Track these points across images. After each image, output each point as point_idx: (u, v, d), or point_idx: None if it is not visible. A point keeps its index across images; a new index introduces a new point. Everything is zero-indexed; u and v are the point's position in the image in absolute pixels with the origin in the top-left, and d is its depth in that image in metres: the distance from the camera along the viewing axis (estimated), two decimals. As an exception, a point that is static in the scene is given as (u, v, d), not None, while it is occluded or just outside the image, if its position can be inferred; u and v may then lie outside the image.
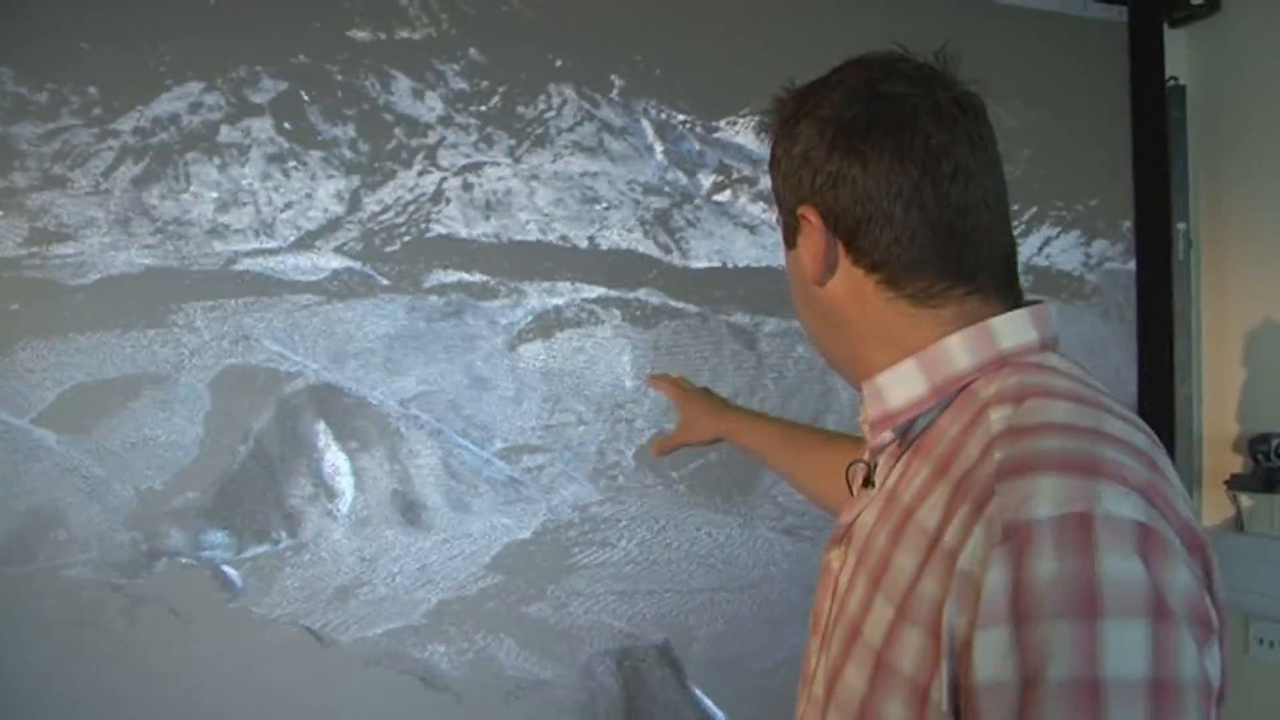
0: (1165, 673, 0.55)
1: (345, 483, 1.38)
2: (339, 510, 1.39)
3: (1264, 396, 1.86)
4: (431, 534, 1.43)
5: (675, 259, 1.52)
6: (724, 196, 1.58)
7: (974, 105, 0.75)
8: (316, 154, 1.34)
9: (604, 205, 1.49)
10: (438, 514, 1.42)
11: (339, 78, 1.37)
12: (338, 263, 1.37)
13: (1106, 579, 0.56)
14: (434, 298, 1.41)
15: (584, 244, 1.47)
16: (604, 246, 1.48)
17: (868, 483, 0.79)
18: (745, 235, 1.58)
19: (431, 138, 1.41)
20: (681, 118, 1.58)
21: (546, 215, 1.45)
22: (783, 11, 1.69)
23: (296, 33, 1.36)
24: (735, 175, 1.60)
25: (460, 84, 1.45)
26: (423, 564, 1.41)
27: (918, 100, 0.72)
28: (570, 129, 1.49)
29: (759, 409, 1.49)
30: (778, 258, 1.61)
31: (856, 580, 0.73)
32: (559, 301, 1.48)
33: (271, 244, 1.33)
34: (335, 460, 1.38)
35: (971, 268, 0.73)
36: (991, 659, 0.57)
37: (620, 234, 1.49)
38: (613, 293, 1.52)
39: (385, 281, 1.40)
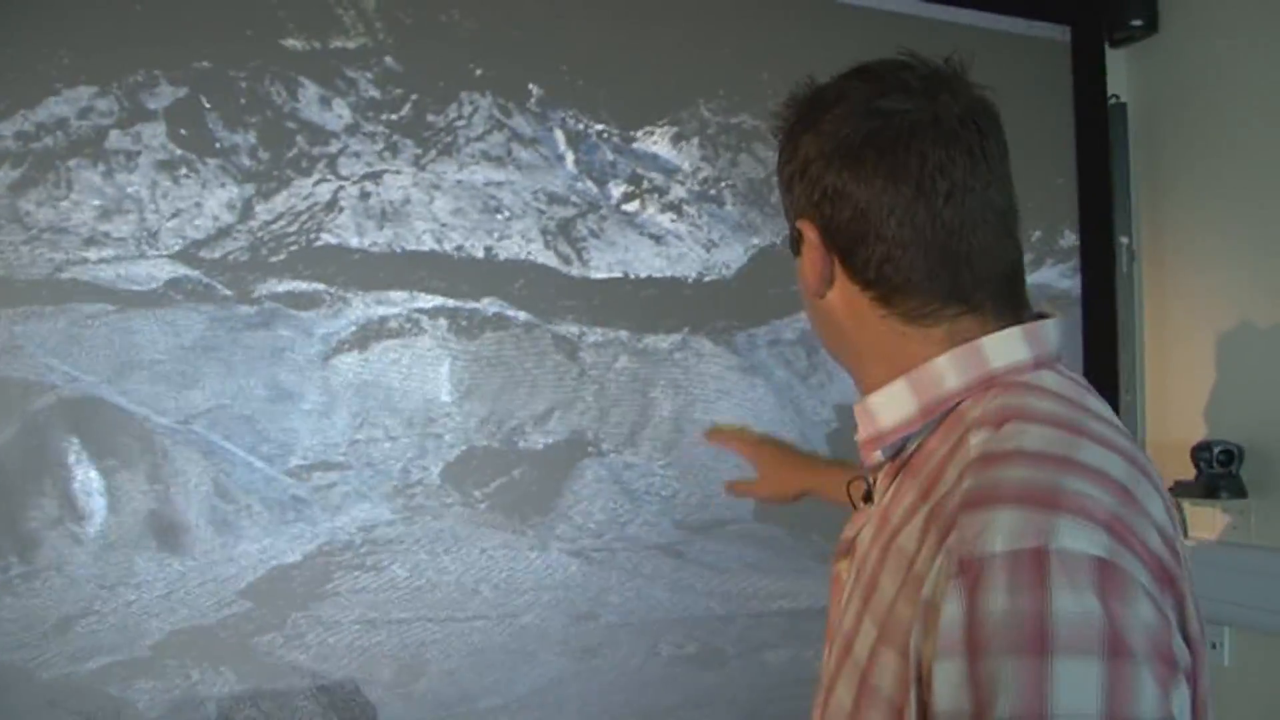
0: (1120, 713, 0.53)
1: (95, 504, 1.26)
2: (85, 533, 1.27)
3: (1204, 405, 1.86)
4: (188, 558, 1.30)
5: (575, 269, 1.49)
6: (633, 206, 1.55)
7: (980, 117, 0.72)
8: (213, 161, 1.31)
9: (506, 215, 1.46)
10: (199, 537, 1.31)
11: (243, 84, 1.34)
12: (176, 271, 1.29)
13: (1058, 617, 0.54)
14: (244, 308, 1.33)
15: (480, 254, 1.44)
16: (502, 257, 1.45)
17: (868, 498, 0.78)
18: (650, 245, 1.55)
19: (334, 146, 1.38)
20: (600, 128, 1.55)
21: (444, 225, 1.42)
22: (717, 23, 1.66)
23: (203, 38, 1.32)
24: (646, 185, 1.57)
25: (372, 92, 1.42)
26: (169, 591, 1.29)
27: (918, 116, 0.70)
28: (479, 138, 1.46)
29: (578, 422, 1.48)
30: (682, 268, 1.58)
31: (854, 597, 0.72)
32: (385, 311, 1.41)
33: (109, 252, 1.25)
34: (87, 479, 1.26)
35: (967, 287, 0.71)
36: (948, 690, 0.57)
37: (520, 244, 1.46)
38: (451, 303, 1.45)
39: (228, 292, 1.32)
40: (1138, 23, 1.99)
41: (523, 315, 1.48)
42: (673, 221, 1.57)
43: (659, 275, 1.56)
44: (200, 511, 1.31)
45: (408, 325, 1.41)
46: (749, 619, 1.58)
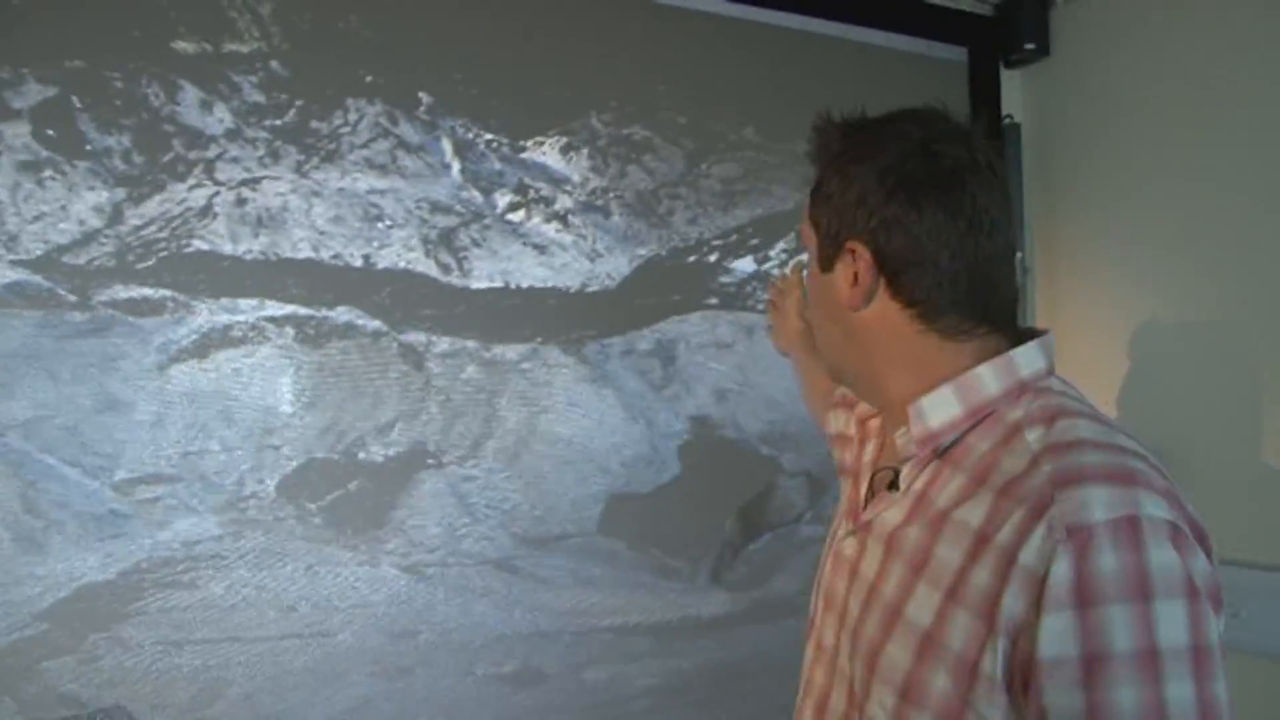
0: (1201, 640, 0.66)
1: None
2: None
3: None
4: (-17, 578, 1.21)
5: (455, 278, 1.48)
6: (518, 216, 1.54)
7: (1000, 166, 0.83)
8: (82, 164, 1.27)
9: (387, 224, 1.44)
10: (-1, 555, 1.21)
11: (119, 85, 1.31)
12: (16, 276, 1.23)
13: (1154, 568, 0.66)
14: (76, 315, 1.27)
15: (358, 262, 1.42)
16: (380, 265, 1.43)
17: (892, 486, 0.86)
18: (533, 255, 1.54)
19: (213, 151, 1.35)
20: (489, 137, 1.54)
21: (323, 233, 1.40)
22: (616, 35, 1.67)
23: (80, 38, 1.29)
24: (533, 195, 1.56)
25: (256, 97, 1.40)
26: (-46, 614, 1.19)
27: (965, 160, 0.80)
28: (364, 145, 1.44)
29: (421, 434, 1.46)
30: (564, 278, 1.58)
31: (890, 569, 0.81)
32: (230, 319, 1.35)
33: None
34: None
35: (994, 309, 0.82)
36: (1055, 637, 0.67)
37: (399, 252, 1.44)
38: (303, 311, 1.40)
39: (73, 298, 1.27)
40: (1031, 46, 2.06)
41: (374, 324, 1.44)
42: (557, 232, 1.56)
43: (540, 285, 1.55)
44: (2, 527, 1.24)
45: (252, 334, 1.36)
46: (573, 636, 1.55)
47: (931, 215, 0.79)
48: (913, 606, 0.77)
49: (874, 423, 0.97)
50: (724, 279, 1.71)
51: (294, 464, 1.38)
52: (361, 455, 1.42)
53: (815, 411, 1.32)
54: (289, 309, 1.39)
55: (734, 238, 1.71)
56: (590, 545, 1.56)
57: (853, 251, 0.83)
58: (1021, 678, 0.69)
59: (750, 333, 1.71)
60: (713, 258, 1.70)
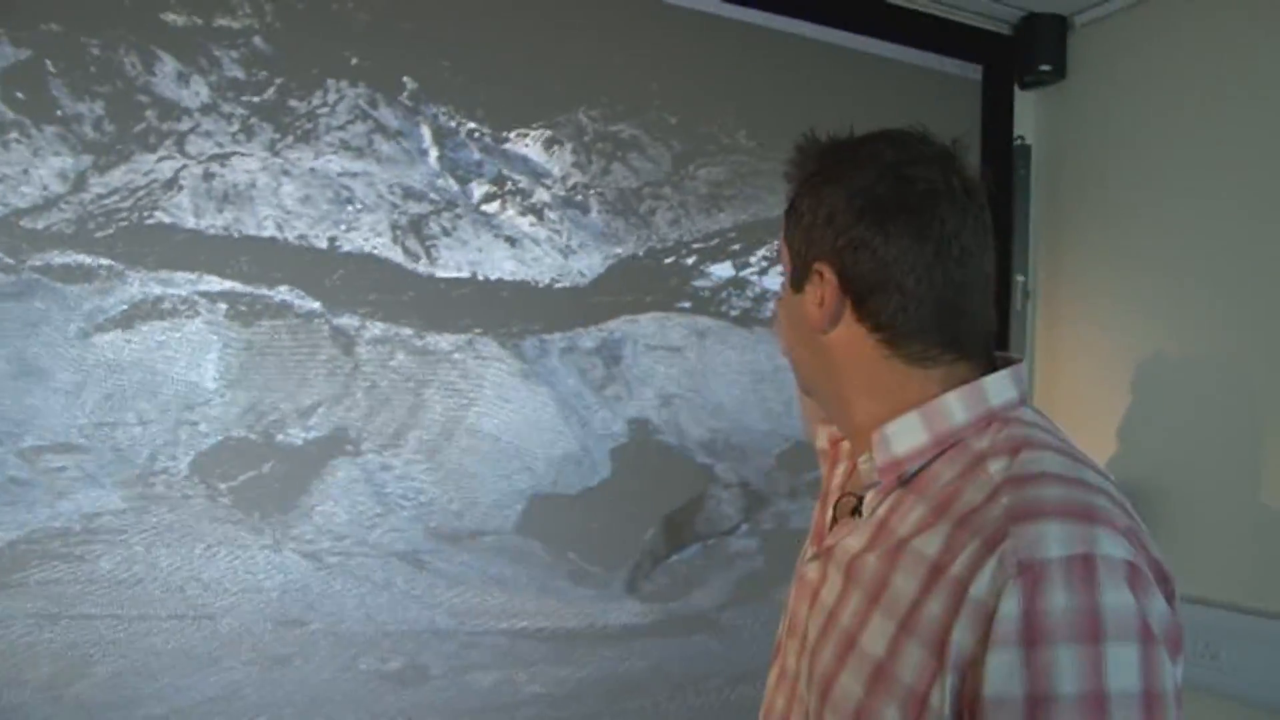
0: (1153, 685, 0.64)
1: None
2: None
3: (1090, 444, 1.83)
4: None
5: (421, 266, 1.45)
6: (493, 207, 1.51)
7: (979, 193, 0.82)
8: (50, 129, 1.26)
9: (357, 207, 1.42)
10: None
11: (95, 52, 1.30)
12: None
13: (1107, 609, 0.64)
14: (2, 277, 1.21)
15: (323, 244, 1.40)
16: (345, 249, 1.41)
17: (855, 512, 0.85)
18: (505, 247, 1.51)
19: (186, 124, 1.34)
20: (472, 126, 1.52)
21: (290, 212, 1.38)
22: (613, 30, 1.63)
23: (62, 2, 1.28)
24: (510, 187, 1.53)
25: (236, 72, 1.38)
26: None
27: (938, 185, 0.79)
28: (341, 127, 1.42)
29: (343, 419, 1.40)
30: (535, 272, 1.55)
31: (849, 596, 0.79)
32: (163, 291, 1.30)
33: None
34: None
35: (964, 336, 0.81)
36: (1000, 676, 0.65)
37: (366, 237, 1.42)
38: (240, 287, 1.35)
39: (10, 260, 1.22)
40: (1047, 68, 2.01)
41: (311, 305, 1.39)
42: (532, 225, 1.53)
43: (509, 278, 1.51)
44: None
45: (183, 307, 1.32)
46: (468, 637, 1.48)
47: (898, 239, 0.78)
48: (867, 636, 0.75)
49: (845, 445, 0.96)
50: (699, 282, 1.67)
51: (210, 441, 1.34)
52: (280, 437, 1.38)
53: (807, 423, 1.30)
54: (226, 285, 1.35)
55: (715, 242, 1.67)
56: (505, 544, 1.50)
57: (820, 273, 0.82)
58: (970, 715, 0.67)
59: (703, 337, 1.65)
60: (690, 260, 1.66)
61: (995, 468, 0.74)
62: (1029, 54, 2.01)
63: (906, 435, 0.79)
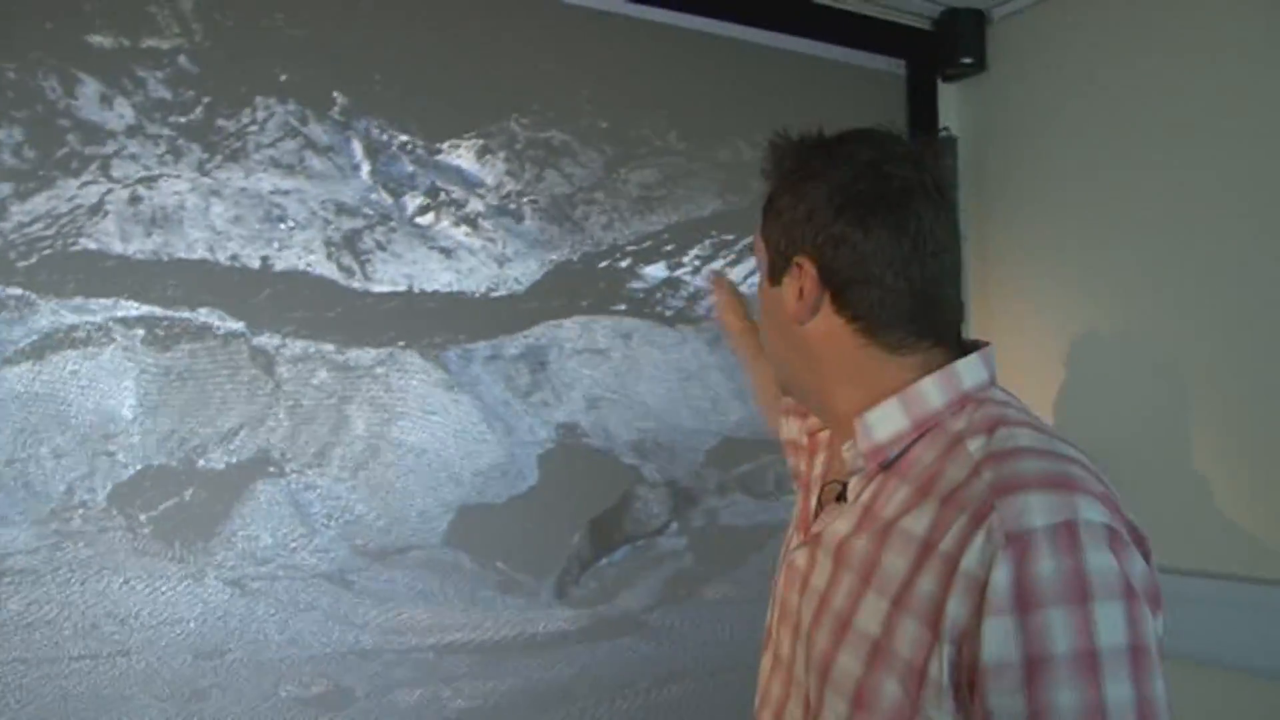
0: (1138, 639, 0.68)
1: None
2: None
3: None
4: None
5: (356, 282, 1.45)
6: (427, 219, 1.51)
7: (949, 188, 0.86)
8: (-33, 157, 1.24)
9: (290, 225, 1.41)
10: None
11: (12, 76, 1.28)
12: None
13: (1091, 571, 0.68)
14: None
15: (256, 264, 1.39)
16: (279, 267, 1.40)
17: (840, 498, 0.88)
18: (439, 259, 1.51)
19: (110, 146, 1.32)
20: (404, 139, 1.52)
21: (220, 233, 1.36)
22: (541, 38, 1.64)
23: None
24: (444, 198, 1.54)
25: (162, 93, 1.37)
26: None
27: (913, 182, 0.82)
28: (271, 145, 1.41)
29: (265, 441, 1.38)
30: (471, 284, 1.55)
31: (839, 579, 0.82)
32: (76, 319, 1.27)
33: None
34: None
35: (938, 325, 0.84)
36: (997, 642, 0.68)
37: (300, 255, 1.41)
38: (158, 311, 1.32)
39: None
40: (968, 60, 2.06)
41: (231, 326, 1.37)
42: (466, 235, 1.53)
43: (445, 290, 1.51)
44: None
45: (97, 334, 1.29)
46: (394, 655, 1.46)
47: (877, 234, 0.81)
48: (862, 616, 0.78)
49: (823, 435, 0.99)
50: (634, 284, 1.69)
51: (129, 471, 1.31)
52: (201, 463, 1.35)
53: (765, 411, 1.34)
54: (144, 309, 1.32)
55: (648, 244, 1.69)
56: (433, 558, 1.48)
57: (800, 266, 0.85)
58: (968, 682, 0.70)
59: (628, 339, 1.66)
60: (624, 263, 1.67)
61: (974, 446, 0.77)
62: (950, 48, 2.06)
63: (887, 421, 0.82)
